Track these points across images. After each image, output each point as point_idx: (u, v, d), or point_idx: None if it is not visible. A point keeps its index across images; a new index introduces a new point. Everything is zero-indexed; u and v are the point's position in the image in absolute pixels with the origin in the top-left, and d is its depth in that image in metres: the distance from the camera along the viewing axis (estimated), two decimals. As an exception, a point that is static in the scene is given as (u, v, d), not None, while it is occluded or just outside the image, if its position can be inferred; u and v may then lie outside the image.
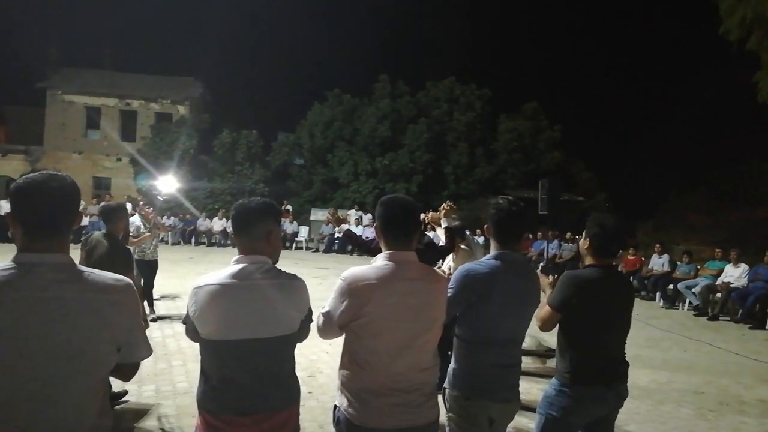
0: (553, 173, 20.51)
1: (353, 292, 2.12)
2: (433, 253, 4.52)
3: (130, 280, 1.73)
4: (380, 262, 2.22)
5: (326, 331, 2.25)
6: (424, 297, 2.21)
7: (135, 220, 8.28)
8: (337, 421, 2.24)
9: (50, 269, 1.56)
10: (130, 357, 1.74)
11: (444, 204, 4.63)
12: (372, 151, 23.60)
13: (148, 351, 1.82)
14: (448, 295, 2.42)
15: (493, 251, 2.63)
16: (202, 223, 19.86)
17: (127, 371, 1.81)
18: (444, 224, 4.47)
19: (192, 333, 2.15)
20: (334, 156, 23.88)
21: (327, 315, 2.21)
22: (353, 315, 2.13)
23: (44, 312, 1.51)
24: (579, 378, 2.68)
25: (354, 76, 27.62)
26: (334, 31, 35.81)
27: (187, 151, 23.47)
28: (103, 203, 5.21)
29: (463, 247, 5.09)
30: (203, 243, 19.52)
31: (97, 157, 26.92)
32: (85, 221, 19.05)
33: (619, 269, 2.90)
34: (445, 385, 2.61)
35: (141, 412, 4.52)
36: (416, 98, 24.96)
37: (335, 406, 2.26)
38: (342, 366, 2.24)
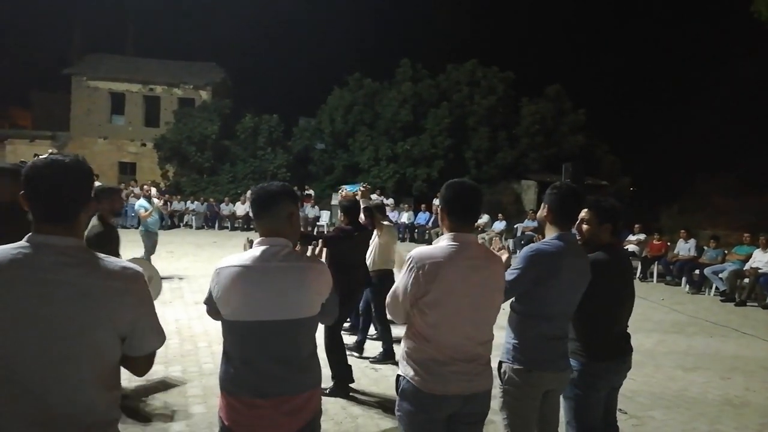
0: (576, 157, 20.23)
1: (421, 269, 2.27)
2: (368, 234, 5.05)
3: (139, 269, 1.69)
4: (445, 242, 2.37)
5: (395, 310, 2.41)
6: (485, 275, 2.37)
7: (144, 203, 9.68)
8: (402, 391, 2.38)
9: (55, 251, 1.56)
10: (137, 349, 1.69)
11: (360, 186, 5.09)
12: (393, 135, 23.46)
13: (158, 341, 1.76)
14: (516, 274, 2.61)
15: (553, 233, 2.76)
16: (225, 208, 20.09)
17: (138, 364, 1.75)
18: (362, 204, 4.84)
19: (213, 313, 2.19)
20: (354, 141, 23.79)
21: (395, 293, 2.37)
22: (421, 291, 2.28)
23: (42, 292, 1.51)
24: (595, 355, 2.86)
25: (374, 59, 27.32)
26: (355, 15, 35.55)
27: (209, 135, 23.62)
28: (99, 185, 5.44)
29: (385, 223, 5.59)
30: (226, 227, 19.74)
31: (122, 143, 27.27)
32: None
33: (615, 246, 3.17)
34: (502, 358, 2.75)
35: (168, 392, 4.63)
36: (437, 81, 24.70)
37: (399, 376, 2.41)
38: (406, 339, 2.41)
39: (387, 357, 5.62)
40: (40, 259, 1.54)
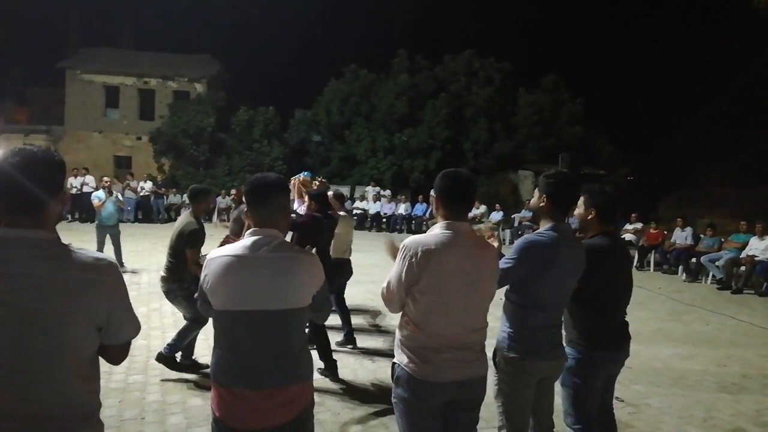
0: (574, 147, 20.20)
1: (414, 257, 2.28)
2: (334, 223, 5.14)
3: (112, 260, 1.69)
4: (438, 230, 2.37)
5: (391, 300, 2.40)
6: (477, 263, 2.36)
7: (98, 194, 9.34)
8: (397, 378, 2.39)
9: (26, 245, 1.54)
10: (114, 338, 1.69)
11: (303, 174, 5.38)
12: (390, 127, 23.38)
13: (134, 331, 1.76)
14: (509, 264, 2.61)
15: (547, 222, 2.75)
16: (222, 201, 20.04)
17: (115, 353, 1.76)
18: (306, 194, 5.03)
19: (203, 305, 2.17)
20: (351, 132, 23.70)
21: (390, 282, 2.37)
22: (414, 278, 2.28)
23: (15, 287, 1.49)
24: (594, 344, 2.86)
25: (371, 50, 27.15)
26: (350, 5, 35.34)
27: (205, 128, 23.52)
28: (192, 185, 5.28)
29: (342, 213, 5.71)
30: (223, 220, 19.70)
31: (116, 136, 27.13)
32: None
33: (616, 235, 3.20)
34: (497, 347, 2.75)
35: (165, 384, 4.62)
36: (434, 72, 24.58)
37: (394, 363, 2.43)
38: (401, 327, 2.42)
39: (348, 342, 5.71)
40: (10, 253, 1.52)
